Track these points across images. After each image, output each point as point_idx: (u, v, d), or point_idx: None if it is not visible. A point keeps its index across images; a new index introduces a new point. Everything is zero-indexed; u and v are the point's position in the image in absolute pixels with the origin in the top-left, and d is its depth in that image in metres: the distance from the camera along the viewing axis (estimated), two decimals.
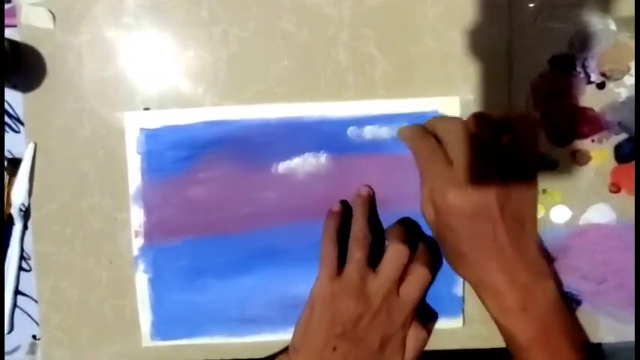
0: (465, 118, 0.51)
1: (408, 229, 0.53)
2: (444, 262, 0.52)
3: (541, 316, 0.48)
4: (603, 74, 0.55)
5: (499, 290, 0.48)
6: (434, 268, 0.51)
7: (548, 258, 0.51)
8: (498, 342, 0.55)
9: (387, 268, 0.50)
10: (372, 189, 0.55)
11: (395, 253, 0.50)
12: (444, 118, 0.53)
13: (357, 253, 0.51)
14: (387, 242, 0.52)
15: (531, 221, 0.50)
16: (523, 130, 0.50)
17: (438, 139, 0.51)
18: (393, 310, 0.50)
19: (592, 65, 0.55)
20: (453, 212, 0.48)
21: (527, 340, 0.48)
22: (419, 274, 0.50)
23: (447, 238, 0.50)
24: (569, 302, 0.56)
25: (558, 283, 0.50)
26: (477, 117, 0.51)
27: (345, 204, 0.55)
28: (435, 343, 0.54)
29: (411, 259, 0.51)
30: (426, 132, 0.52)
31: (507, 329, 0.49)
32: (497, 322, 0.50)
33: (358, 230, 0.52)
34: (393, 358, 0.50)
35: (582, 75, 0.55)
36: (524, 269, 0.48)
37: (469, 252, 0.49)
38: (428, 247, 0.52)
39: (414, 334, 0.51)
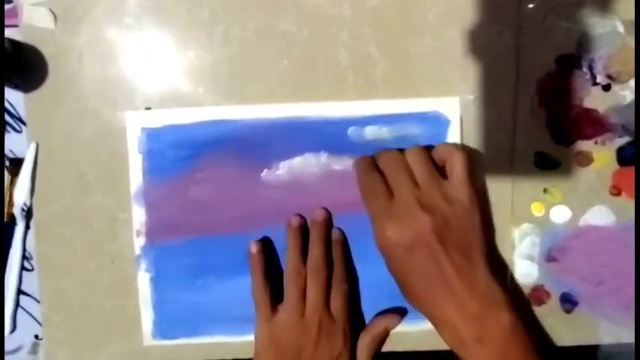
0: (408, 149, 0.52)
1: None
2: None
3: (497, 347, 0.47)
4: (609, 76, 0.54)
5: (452, 323, 0.48)
6: (350, 279, 0.55)
7: (502, 286, 0.49)
8: None
9: (312, 294, 0.52)
10: (303, 218, 0.55)
11: (313, 278, 0.53)
12: (384, 152, 0.53)
13: (290, 290, 0.53)
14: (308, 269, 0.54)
15: (477, 252, 0.49)
16: (457, 162, 0.50)
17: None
18: (331, 331, 0.52)
19: (598, 67, 0.54)
20: (392, 246, 0.49)
21: None
22: (338, 287, 0.53)
23: (394, 272, 0.51)
24: (570, 305, 0.56)
25: (514, 310, 0.48)
26: (414, 150, 0.52)
27: (263, 240, 0.56)
28: (427, 344, 0.55)
29: (330, 278, 0.54)
30: (371, 166, 0.52)
31: None
32: (455, 353, 0.49)
33: (290, 266, 0.54)
34: None
35: (588, 76, 0.55)
36: (475, 301, 0.47)
37: (416, 286, 0.49)
38: (344, 262, 0.55)
39: (363, 343, 0.54)
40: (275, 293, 0.54)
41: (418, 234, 0.48)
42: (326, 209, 0.55)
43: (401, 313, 0.55)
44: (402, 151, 0.52)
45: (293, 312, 0.52)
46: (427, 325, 0.50)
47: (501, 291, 0.48)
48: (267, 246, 0.56)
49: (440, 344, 0.49)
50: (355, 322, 0.55)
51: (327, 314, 0.52)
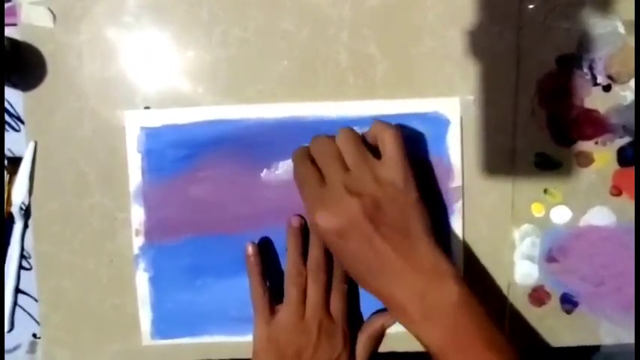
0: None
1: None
2: None
3: (446, 320, 0.46)
4: (610, 77, 0.54)
5: (399, 303, 0.47)
6: (349, 280, 0.53)
7: (446, 256, 0.48)
8: None
9: (312, 295, 0.52)
10: (303, 218, 0.54)
11: (313, 279, 0.52)
12: (315, 138, 0.52)
13: (290, 291, 0.53)
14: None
15: (417, 227, 0.48)
16: (388, 140, 0.49)
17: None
18: (331, 333, 0.52)
19: (599, 67, 0.54)
20: (324, 234, 0.48)
21: (438, 347, 0.46)
22: (338, 288, 0.53)
23: (336, 257, 0.51)
24: (570, 306, 0.56)
25: (462, 280, 0.46)
26: (344, 133, 0.51)
27: (263, 240, 0.56)
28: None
29: (330, 279, 0.53)
30: (304, 155, 0.51)
31: (418, 338, 0.47)
32: (409, 331, 0.48)
33: (291, 267, 0.53)
34: None
35: (589, 76, 0.55)
36: (419, 277, 0.46)
37: (358, 269, 0.49)
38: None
39: (360, 341, 0.54)
40: (273, 294, 0.54)
41: (347, 219, 0.47)
42: None
43: None
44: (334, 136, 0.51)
45: (293, 313, 0.52)
46: None
47: (447, 262, 0.47)
48: (266, 246, 0.56)
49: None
50: (354, 323, 0.54)
51: (326, 315, 0.52)
